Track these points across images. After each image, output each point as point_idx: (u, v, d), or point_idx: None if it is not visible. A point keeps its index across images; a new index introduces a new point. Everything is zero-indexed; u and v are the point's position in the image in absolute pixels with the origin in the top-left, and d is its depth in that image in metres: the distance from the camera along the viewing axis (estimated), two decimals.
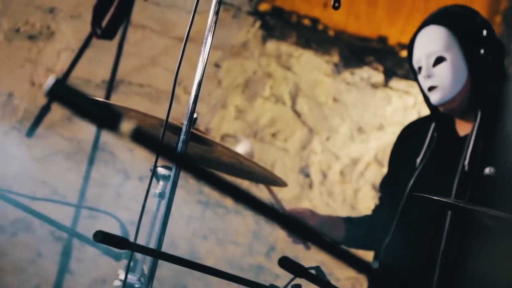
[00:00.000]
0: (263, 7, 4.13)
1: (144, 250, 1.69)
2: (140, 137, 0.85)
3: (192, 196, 3.95)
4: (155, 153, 0.86)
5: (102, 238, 1.52)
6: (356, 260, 1.10)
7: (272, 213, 1.06)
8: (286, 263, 1.51)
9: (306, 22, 4.14)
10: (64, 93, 0.81)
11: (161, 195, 2.33)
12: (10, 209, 3.22)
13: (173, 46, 3.95)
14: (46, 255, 3.77)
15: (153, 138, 0.85)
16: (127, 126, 0.84)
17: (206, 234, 3.97)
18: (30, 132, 3.55)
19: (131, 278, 2.21)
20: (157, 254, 1.64)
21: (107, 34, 3.17)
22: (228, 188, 0.97)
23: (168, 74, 3.94)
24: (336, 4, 2.04)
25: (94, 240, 1.51)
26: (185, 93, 3.89)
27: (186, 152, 1.95)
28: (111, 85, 3.59)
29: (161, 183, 2.39)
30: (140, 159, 3.80)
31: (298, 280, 1.78)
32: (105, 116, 0.83)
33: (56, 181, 3.80)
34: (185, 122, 1.91)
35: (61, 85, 0.82)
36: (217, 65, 4.04)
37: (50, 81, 0.83)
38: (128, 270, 1.87)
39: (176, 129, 2.17)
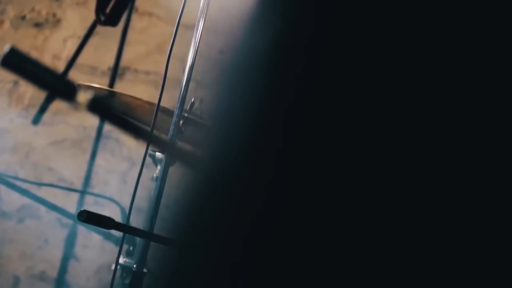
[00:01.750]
0: None
1: (129, 229, 1.69)
2: (98, 108, 0.85)
3: None
4: (109, 122, 0.86)
5: (87, 217, 1.52)
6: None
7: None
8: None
9: None
10: (19, 62, 0.81)
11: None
12: (16, 195, 3.24)
13: (180, 34, 3.93)
14: (52, 242, 3.79)
15: (111, 108, 0.85)
16: (84, 96, 0.84)
17: None
18: (36, 119, 3.57)
19: (129, 261, 2.21)
20: (140, 233, 1.64)
21: (111, 20, 3.17)
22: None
23: (175, 61, 3.92)
24: None
25: (78, 219, 1.51)
26: (193, 80, 3.88)
27: (175, 137, 1.95)
28: (115, 72, 3.59)
29: (159, 167, 2.40)
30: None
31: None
32: (62, 86, 0.83)
33: (62, 168, 3.81)
34: (177, 105, 1.92)
35: (16, 54, 0.81)
36: (222, 52, 4.03)
37: (5, 49, 0.83)
38: (120, 252, 1.87)
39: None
